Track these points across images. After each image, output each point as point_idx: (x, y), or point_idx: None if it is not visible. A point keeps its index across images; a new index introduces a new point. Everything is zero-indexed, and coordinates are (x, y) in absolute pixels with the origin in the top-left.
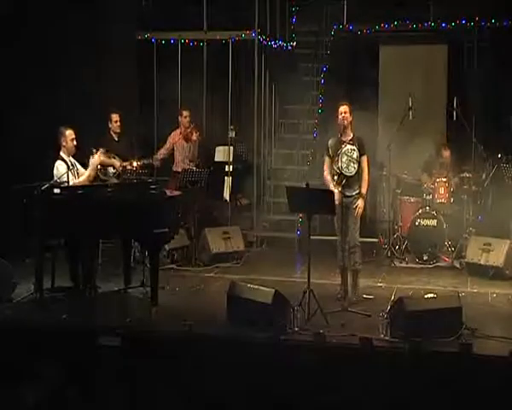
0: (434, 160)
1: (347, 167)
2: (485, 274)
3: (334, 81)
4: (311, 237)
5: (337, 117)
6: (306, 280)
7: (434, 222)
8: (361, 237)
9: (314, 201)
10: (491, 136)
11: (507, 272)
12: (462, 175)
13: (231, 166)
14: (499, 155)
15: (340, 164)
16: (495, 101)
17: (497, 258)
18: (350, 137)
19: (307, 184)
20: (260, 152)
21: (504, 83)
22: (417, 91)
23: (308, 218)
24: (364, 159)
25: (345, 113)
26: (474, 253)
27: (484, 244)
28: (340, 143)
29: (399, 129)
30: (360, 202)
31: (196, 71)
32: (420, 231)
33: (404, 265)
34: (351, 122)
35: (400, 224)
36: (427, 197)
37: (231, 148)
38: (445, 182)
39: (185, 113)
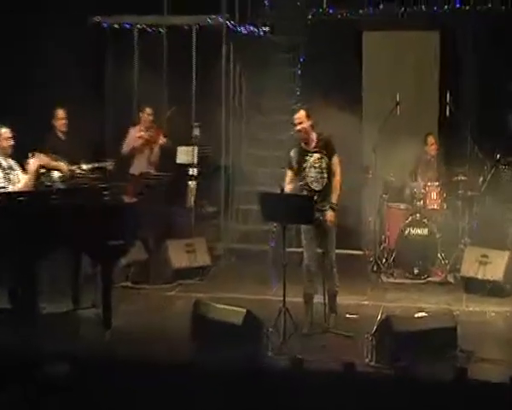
0: (420, 158)
1: (317, 181)
2: (482, 290)
3: (313, 72)
4: (287, 250)
5: (296, 125)
6: (282, 298)
7: (426, 231)
8: (343, 249)
9: (290, 208)
10: (489, 134)
11: (507, 287)
12: (456, 178)
13: (195, 169)
14: (497, 156)
15: (307, 179)
16: (493, 95)
17: (495, 271)
18: (314, 144)
19: (282, 190)
20: (229, 153)
21: (503, 74)
22: (406, 84)
23: (283, 227)
24: (335, 161)
25: (299, 122)
26: (470, 266)
27: (481, 256)
28: (305, 153)
29: (385, 127)
30: (329, 214)
31: (155, 61)
32: (409, 241)
33: (391, 280)
34: (312, 126)
35: (387, 233)
36: (418, 203)
37: (195, 148)
38: (438, 186)
39: (148, 110)
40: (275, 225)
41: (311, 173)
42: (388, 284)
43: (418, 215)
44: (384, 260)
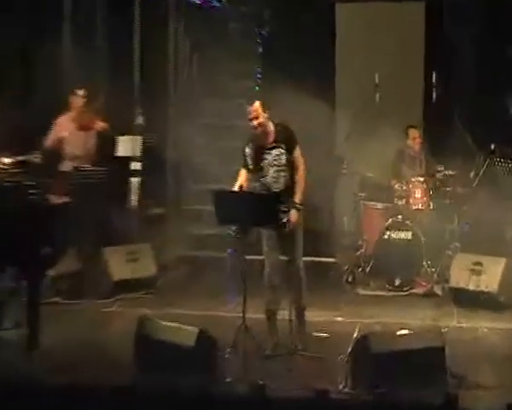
0: (402, 151)
1: (277, 181)
2: (474, 303)
3: (277, 50)
4: (248, 257)
5: (252, 119)
6: (241, 315)
7: (409, 235)
8: (312, 256)
9: (251, 209)
10: (482, 122)
11: (502, 299)
12: (444, 173)
13: (139, 163)
14: (492, 147)
15: (266, 180)
16: (487, 76)
17: (489, 281)
18: (272, 138)
19: (241, 187)
20: (178, 144)
21: (499, 51)
22: (386, 64)
23: (243, 231)
24: (296, 154)
25: (255, 117)
26: (461, 275)
27: (473, 264)
28: (262, 151)
29: (362, 114)
30: (293, 215)
31: (89, 33)
32: (390, 246)
33: (369, 292)
34: (268, 119)
35: (364, 238)
36: (400, 202)
37: (139, 138)
38: (423, 182)
39: (80, 92)
40: (233, 228)
41: (270, 173)
42: (365, 297)
43: (400, 216)
44: (360, 269)
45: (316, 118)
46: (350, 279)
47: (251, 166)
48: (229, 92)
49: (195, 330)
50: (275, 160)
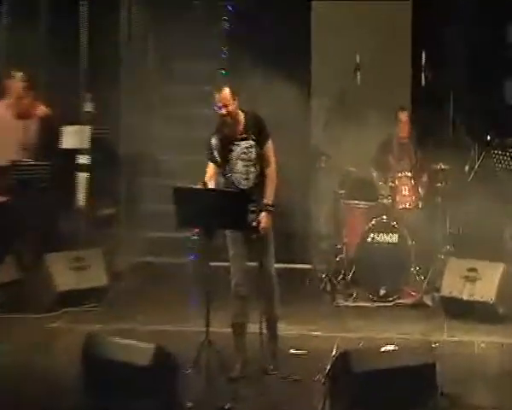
0: (388, 141)
1: (246, 178)
2: (469, 314)
3: (246, 28)
4: (213, 264)
5: (220, 108)
6: (204, 329)
7: (395, 238)
8: (286, 262)
9: (216, 208)
10: (477, 109)
11: (500, 310)
12: (434, 167)
13: (88, 157)
14: (488, 138)
15: (234, 176)
16: (482, 57)
17: (486, 290)
18: (241, 128)
19: (205, 184)
20: (133, 135)
21: (497, 29)
22: (368, 43)
23: (207, 234)
24: (267, 148)
25: (224, 105)
26: (454, 283)
27: (467, 270)
28: (229, 142)
29: (342, 100)
30: (263, 218)
31: (28, 10)
32: (374, 251)
33: (350, 303)
34: (237, 106)
35: (345, 241)
36: (385, 201)
37: (87, 128)
38: (411, 178)
39: (18, 75)
40: (195, 231)
41: (238, 167)
42: (346, 309)
43: (385, 217)
44: (340, 277)
45: (289, 105)
46: (328, 288)
47: (218, 159)
48: (191, 77)
49: (151, 347)
50: (244, 153)
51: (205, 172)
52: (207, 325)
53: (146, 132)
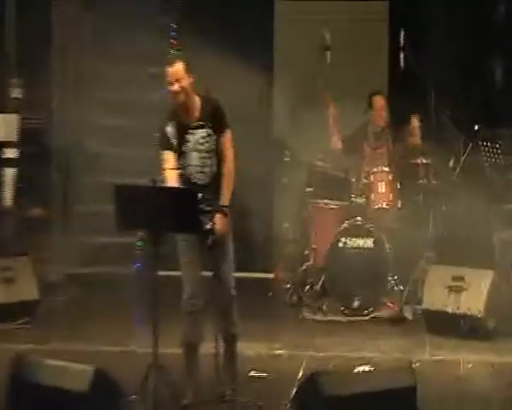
0: (362, 130)
1: (202, 172)
2: (454, 329)
3: (201, 4)
4: (161, 273)
5: (172, 83)
6: (151, 350)
7: (370, 242)
8: (245, 271)
9: (164, 209)
10: (464, 96)
11: (489, 325)
12: (415, 161)
13: (15, 150)
14: (476, 128)
15: (188, 170)
16: (470, 33)
17: (473, 302)
18: (197, 114)
19: (154, 181)
20: (67, 125)
21: (481, 4)
22: (340, 17)
23: (154, 239)
24: (225, 140)
25: (176, 79)
26: (437, 294)
27: (453, 279)
28: (184, 130)
29: (310, 84)
30: (218, 220)
31: None
32: (346, 258)
33: (319, 317)
34: (191, 84)
35: (313, 247)
36: (359, 200)
37: (15, 117)
38: (388, 173)
39: None
40: (140, 235)
41: (193, 160)
42: (314, 324)
43: (359, 218)
44: (308, 288)
45: (248, 91)
46: (294, 301)
47: (175, 147)
48: (135, 58)
49: (90, 369)
50: (199, 143)
51: (160, 165)
52: (155, 345)
53: (83, 122)
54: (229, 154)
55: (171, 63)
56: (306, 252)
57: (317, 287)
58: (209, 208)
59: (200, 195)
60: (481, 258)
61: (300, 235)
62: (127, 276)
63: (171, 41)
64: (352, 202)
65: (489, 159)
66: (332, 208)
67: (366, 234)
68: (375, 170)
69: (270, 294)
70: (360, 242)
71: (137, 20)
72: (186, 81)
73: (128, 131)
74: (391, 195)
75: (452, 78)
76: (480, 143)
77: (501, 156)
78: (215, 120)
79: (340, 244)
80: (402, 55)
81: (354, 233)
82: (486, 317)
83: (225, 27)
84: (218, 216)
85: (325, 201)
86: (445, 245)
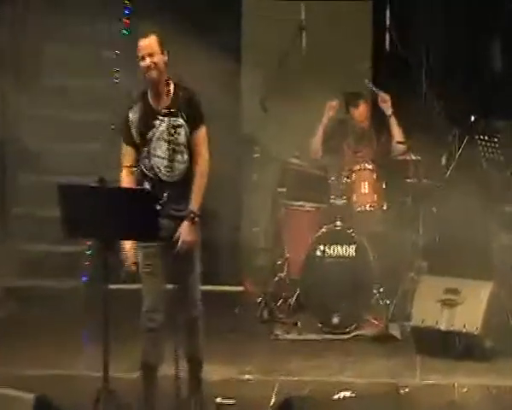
0: (343, 126)
1: (170, 166)
2: (447, 349)
3: None
4: (113, 287)
5: (144, 57)
6: (101, 373)
7: (352, 250)
8: (211, 284)
9: (117, 213)
10: (458, 82)
11: (487, 344)
12: (403, 158)
13: None
14: (472, 119)
15: (153, 161)
16: (464, 16)
17: (469, 317)
18: (169, 99)
19: (102, 180)
20: (5, 117)
21: None
22: (317, 3)
23: (105, 248)
24: (200, 134)
25: (149, 54)
26: (428, 309)
27: (446, 291)
28: (152, 114)
29: (283, 72)
30: (184, 228)
31: None
32: (325, 268)
33: (294, 336)
34: (165, 63)
35: (287, 255)
36: (339, 202)
37: None
38: (372, 171)
39: None
40: (89, 243)
41: (161, 151)
42: (288, 344)
43: (339, 222)
44: (281, 302)
45: (212, 78)
46: (265, 317)
47: (137, 139)
48: (83, 37)
49: (30, 397)
50: (170, 133)
51: (118, 160)
52: (106, 368)
53: (22, 113)
54: (203, 152)
55: (143, 36)
56: (279, 261)
57: (292, 301)
58: (176, 213)
59: (165, 194)
60: (478, 267)
61: (272, 242)
62: (73, 290)
63: (124, 20)
64: (331, 203)
65: (486, 154)
66: (308, 211)
67: (347, 240)
68: (358, 168)
69: (238, 309)
70: (340, 249)
71: None
72: (159, 57)
73: (75, 123)
74: (375, 195)
75: (444, 61)
76: (477, 136)
77: (500, 151)
78: (190, 111)
79: (318, 252)
80: (387, 38)
81: (333, 240)
82: (484, 335)
83: (186, 7)
84: (185, 223)
85: (300, 202)
86: (437, 253)
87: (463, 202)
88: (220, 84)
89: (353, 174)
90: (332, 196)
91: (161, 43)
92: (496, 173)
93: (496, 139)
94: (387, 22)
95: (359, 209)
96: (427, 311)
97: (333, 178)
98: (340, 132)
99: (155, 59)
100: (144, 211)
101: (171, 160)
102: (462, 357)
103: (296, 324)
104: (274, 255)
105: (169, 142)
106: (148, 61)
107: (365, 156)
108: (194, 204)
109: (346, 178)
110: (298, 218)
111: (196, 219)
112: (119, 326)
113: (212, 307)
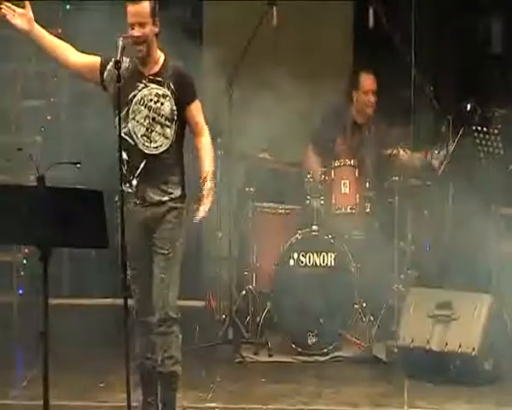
0: (339, 114)
1: (148, 137)
2: (440, 373)
3: None
4: (54, 302)
5: (133, 25)
6: (41, 401)
7: (330, 259)
8: None
9: (58, 216)
10: (451, 65)
11: (486, 366)
12: (389, 153)
13: None
14: (468, 108)
15: (130, 125)
16: None
17: (465, 336)
18: (157, 68)
19: (41, 179)
20: None
21: None
22: None
23: (43, 256)
24: (195, 107)
25: (139, 23)
26: (418, 326)
27: (438, 306)
28: (137, 76)
29: (251, 52)
30: (202, 209)
31: None
32: (299, 279)
33: (263, 358)
34: (156, 35)
35: (256, 265)
36: (315, 203)
37: None
38: (353, 168)
39: None
40: (27, 251)
41: (138, 116)
42: (257, 367)
43: (316, 227)
44: (248, 318)
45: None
46: (230, 336)
47: (111, 90)
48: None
49: None
50: (152, 100)
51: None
52: (46, 394)
53: None
54: (203, 125)
55: (133, 2)
56: (246, 272)
57: (261, 318)
58: (150, 197)
59: (141, 166)
60: (475, 278)
61: (238, 249)
62: (7, 305)
63: None
64: (306, 205)
65: (485, 148)
66: (280, 214)
67: (325, 248)
68: (337, 164)
69: (199, 328)
70: (317, 258)
71: None
72: (150, 29)
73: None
74: (357, 196)
75: (436, 40)
76: (474, 127)
77: (500, 145)
78: (180, 84)
79: (291, 262)
80: (371, 11)
81: (309, 247)
82: (482, 356)
83: None
84: (204, 204)
85: (271, 204)
86: (427, 262)
87: (457, 202)
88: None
89: (332, 171)
90: (307, 197)
91: (154, 10)
92: (495, 170)
93: (496, 131)
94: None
95: (339, 212)
96: (417, 329)
97: (308, 176)
98: (336, 126)
99: (146, 30)
100: (90, 214)
101: (151, 131)
102: (456, 381)
103: (266, 344)
104: (240, 265)
105: (149, 108)
106: (136, 31)
107: (346, 151)
108: (206, 176)
109: (323, 176)
110: (268, 221)
111: (210, 198)
112: (60, 346)
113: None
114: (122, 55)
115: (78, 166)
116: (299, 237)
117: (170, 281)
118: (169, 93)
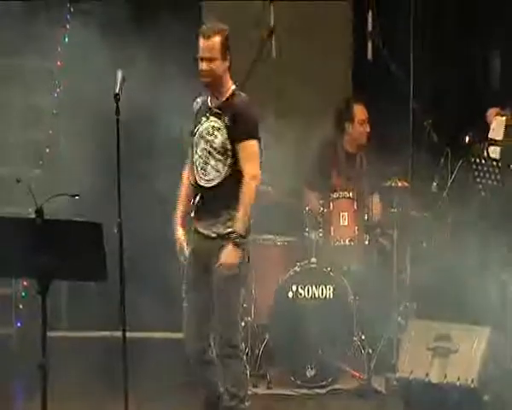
0: (332, 145)
1: (204, 170)
2: (440, 405)
3: None
4: (53, 335)
5: (203, 60)
6: None
7: (329, 291)
8: (162, 330)
9: (56, 248)
10: (450, 96)
11: (485, 397)
12: (387, 184)
13: None
14: (467, 139)
15: (194, 158)
16: (456, 20)
17: (464, 368)
18: (221, 100)
19: (40, 212)
20: None
21: None
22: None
23: (42, 289)
24: (245, 146)
25: (210, 58)
26: (417, 358)
27: (437, 338)
28: (204, 111)
29: (253, 79)
30: (228, 253)
31: None
32: (297, 311)
33: (262, 391)
34: (229, 68)
35: (253, 296)
36: (313, 235)
37: None
38: (352, 200)
39: None
40: (25, 284)
41: (199, 149)
42: (255, 399)
43: (314, 259)
44: (247, 350)
45: (160, 86)
46: None
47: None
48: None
49: None
50: (208, 132)
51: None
52: None
53: None
54: (247, 168)
55: (205, 35)
56: (244, 304)
57: (260, 350)
58: (203, 230)
59: (197, 198)
60: (474, 310)
61: None
62: (6, 337)
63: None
64: (305, 237)
65: (483, 180)
66: (278, 246)
67: (323, 280)
68: (335, 196)
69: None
70: (316, 290)
71: None
72: (218, 64)
73: (8, 142)
74: (356, 228)
75: (435, 71)
76: (472, 159)
77: (499, 177)
78: (235, 118)
79: (290, 294)
80: (369, 43)
81: (308, 279)
82: (481, 388)
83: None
84: (228, 247)
85: (269, 236)
86: (426, 294)
87: (456, 234)
88: (168, 96)
89: (331, 203)
90: (306, 229)
91: (225, 46)
92: (494, 202)
93: (494, 163)
94: (369, 26)
95: (337, 244)
96: (416, 361)
97: (307, 208)
98: (330, 160)
99: (213, 65)
100: (89, 246)
101: (206, 162)
102: None
103: (265, 376)
104: None
105: (206, 141)
106: (204, 65)
107: (343, 182)
108: (237, 225)
109: (322, 208)
110: (266, 253)
111: (238, 241)
112: (59, 378)
113: (164, 355)
114: (122, 86)
115: (77, 197)
116: (298, 270)
117: (232, 316)
118: (222, 125)
